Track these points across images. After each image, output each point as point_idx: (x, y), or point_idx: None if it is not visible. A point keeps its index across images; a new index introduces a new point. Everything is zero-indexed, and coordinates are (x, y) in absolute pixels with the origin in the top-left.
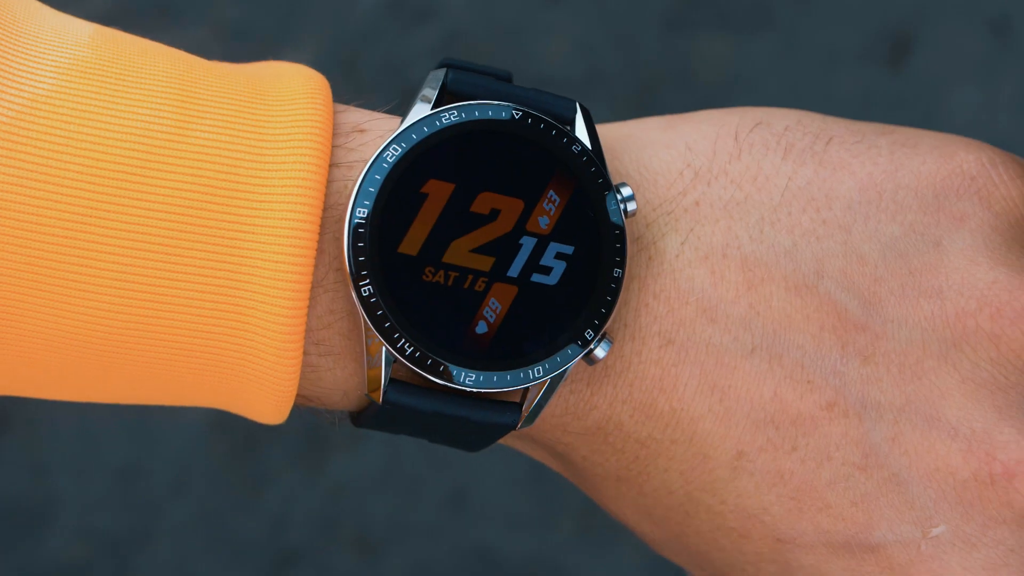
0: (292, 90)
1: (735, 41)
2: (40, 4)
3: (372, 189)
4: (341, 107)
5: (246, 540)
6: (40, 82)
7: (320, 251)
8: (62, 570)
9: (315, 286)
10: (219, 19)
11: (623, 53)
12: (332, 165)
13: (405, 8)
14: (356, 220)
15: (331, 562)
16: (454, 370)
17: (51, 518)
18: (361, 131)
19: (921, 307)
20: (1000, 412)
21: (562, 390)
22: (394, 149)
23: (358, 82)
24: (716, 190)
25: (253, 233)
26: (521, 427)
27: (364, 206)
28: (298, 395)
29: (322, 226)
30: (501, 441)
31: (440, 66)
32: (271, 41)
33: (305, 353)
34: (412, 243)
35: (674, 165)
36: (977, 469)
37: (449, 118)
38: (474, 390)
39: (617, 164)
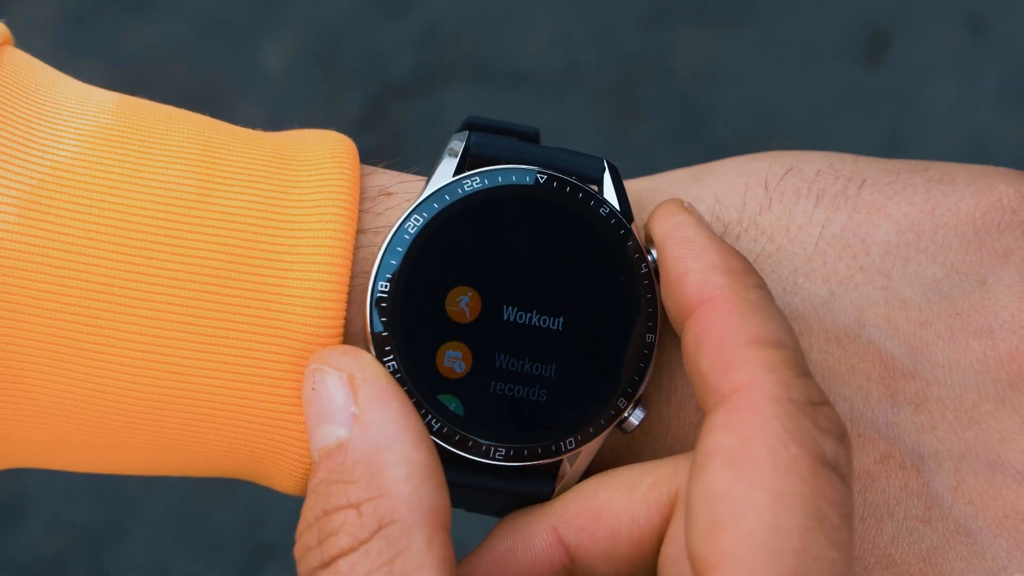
0: (318, 154)
1: (715, 35)
2: (64, 75)
3: (394, 262)
4: (368, 169)
5: (221, 534)
6: (63, 149)
7: (348, 321)
8: (37, 563)
9: None
10: (196, 12)
11: (602, 47)
12: (359, 231)
13: (383, 1)
14: (378, 295)
15: None
16: (484, 444)
17: (25, 512)
18: (388, 194)
19: (972, 349)
20: None
21: (600, 456)
22: (415, 220)
23: (336, 75)
24: (746, 243)
25: (279, 302)
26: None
27: (386, 279)
28: None
29: (350, 294)
30: None
31: (464, 126)
32: (248, 35)
33: None
34: None
35: None
36: None
37: (471, 185)
38: (505, 464)
39: (646, 220)
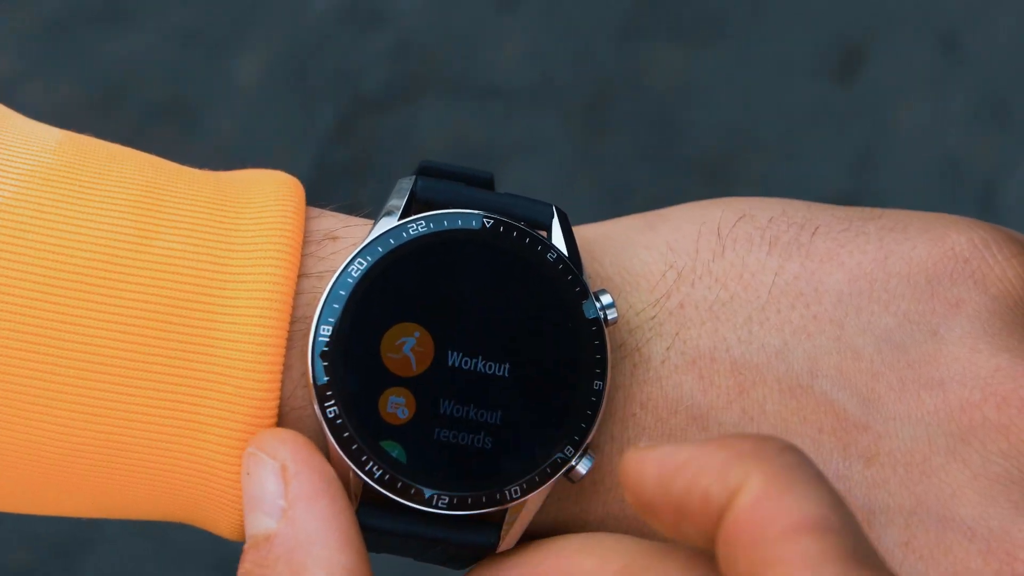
0: (263, 196)
1: (687, 52)
2: (9, 110)
3: (337, 306)
4: (315, 212)
5: (189, 547)
6: (2, 189)
7: (288, 367)
8: (6, 575)
9: (283, 403)
10: (169, 24)
11: (575, 63)
12: (302, 275)
13: (357, 15)
14: (320, 339)
15: None
16: (427, 492)
17: None
18: (334, 239)
19: (923, 401)
20: (1017, 508)
21: (548, 505)
22: (359, 263)
23: (309, 89)
24: (700, 291)
25: (216, 347)
26: (501, 549)
27: (328, 323)
28: None
29: (290, 339)
30: None
31: (416, 171)
32: (221, 47)
33: None
34: None
35: (656, 267)
36: (999, 570)
37: (416, 229)
38: (448, 513)
39: (597, 267)
